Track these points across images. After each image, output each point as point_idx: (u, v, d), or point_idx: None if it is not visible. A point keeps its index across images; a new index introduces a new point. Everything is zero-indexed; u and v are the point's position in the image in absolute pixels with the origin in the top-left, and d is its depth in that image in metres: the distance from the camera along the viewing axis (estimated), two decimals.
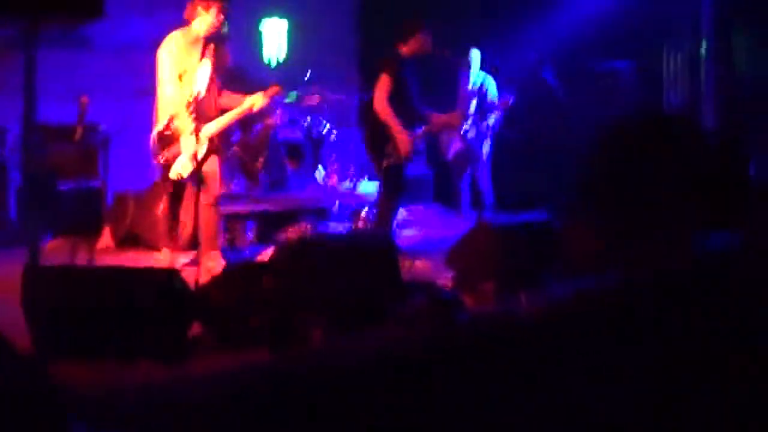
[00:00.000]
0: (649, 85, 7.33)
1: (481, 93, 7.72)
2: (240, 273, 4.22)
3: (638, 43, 7.37)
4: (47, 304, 3.65)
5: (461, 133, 7.59)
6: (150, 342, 3.72)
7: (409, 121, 6.09)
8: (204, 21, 5.34)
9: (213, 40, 5.50)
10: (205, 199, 5.61)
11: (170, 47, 5.34)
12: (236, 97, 5.76)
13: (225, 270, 4.27)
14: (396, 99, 5.96)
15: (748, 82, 7.41)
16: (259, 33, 9.43)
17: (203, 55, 5.44)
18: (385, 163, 6.03)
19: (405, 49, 6.04)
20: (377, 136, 6.08)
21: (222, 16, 5.39)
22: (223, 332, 3.99)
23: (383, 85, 5.86)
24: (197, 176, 5.52)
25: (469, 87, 7.73)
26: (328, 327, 4.08)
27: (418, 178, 9.25)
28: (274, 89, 5.79)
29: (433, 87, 6.67)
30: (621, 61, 7.10)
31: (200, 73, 5.42)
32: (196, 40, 5.42)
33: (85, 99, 4.79)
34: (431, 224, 8.37)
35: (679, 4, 7.37)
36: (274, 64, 9.37)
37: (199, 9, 5.33)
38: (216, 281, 4.27)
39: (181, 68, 5.33)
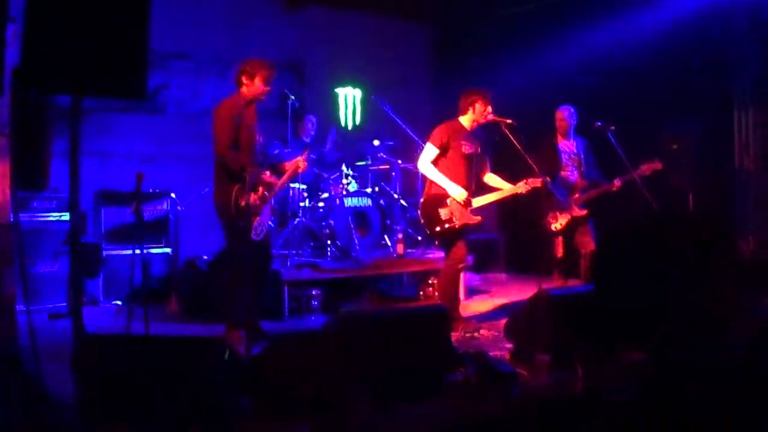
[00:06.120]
0: (719, 148, 7.08)
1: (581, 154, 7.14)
2: (290, 343, 4.20)
3: (709, 105, 7.15)
4: (96, 370, 3.69)
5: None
6: (197, 412, 3.71)
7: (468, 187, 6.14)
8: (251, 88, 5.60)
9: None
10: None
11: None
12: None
13: (276, 340, 4.25)
14: (445, 165, 6.11)
15: None
16: (337, 100, 9.97)
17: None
18: (438, 228, 6.02)
19: (465, 120, 6.21)
20: (429, 204, 6.13)
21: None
22: (271, 403, 3.95)
23: (425, 151, 6.18)
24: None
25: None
26: (377, 399, 3.99)
27: (490, 244, 9.17)
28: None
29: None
30: (690, 124, 6.88)
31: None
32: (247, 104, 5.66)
33: (140, 174, 4.98)
34: (504, 291, 8.22)
35: (750, 67, 7.14)
36: (350, 127, 9.72)
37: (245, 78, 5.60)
38: (267, 352, 4.25)
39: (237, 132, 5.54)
